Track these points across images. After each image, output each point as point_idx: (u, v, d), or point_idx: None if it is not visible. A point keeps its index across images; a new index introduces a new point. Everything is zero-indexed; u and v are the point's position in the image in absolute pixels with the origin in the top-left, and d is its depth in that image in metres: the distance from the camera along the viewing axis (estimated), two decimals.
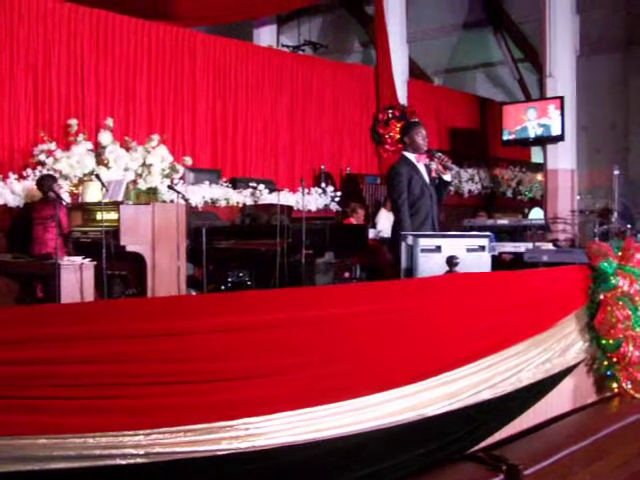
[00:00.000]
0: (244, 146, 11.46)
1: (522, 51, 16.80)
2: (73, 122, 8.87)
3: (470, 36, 17.14)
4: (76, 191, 8.49)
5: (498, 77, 18.05)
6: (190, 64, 10.74)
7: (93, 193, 8.20)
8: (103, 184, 7.32)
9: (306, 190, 10.60)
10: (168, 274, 7.31)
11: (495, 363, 3.77)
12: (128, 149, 9.05)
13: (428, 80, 17.71)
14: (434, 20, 16.33)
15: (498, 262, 7.63)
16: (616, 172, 10.19)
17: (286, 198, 10.61)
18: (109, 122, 9.10)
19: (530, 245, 8.27)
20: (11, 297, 7.57)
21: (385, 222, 10.43)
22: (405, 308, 3.46)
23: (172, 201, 8.59)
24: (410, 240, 5.04)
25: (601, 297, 4.50)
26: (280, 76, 12.09)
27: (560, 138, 12.37)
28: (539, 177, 15.29)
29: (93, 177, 8.06)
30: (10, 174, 8.19)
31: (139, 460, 2.61)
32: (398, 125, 12.88)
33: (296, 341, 3.03)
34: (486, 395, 3.70)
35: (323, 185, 11.80)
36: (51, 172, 8.13)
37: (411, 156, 6.16)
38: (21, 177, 8.28)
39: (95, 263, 6.85)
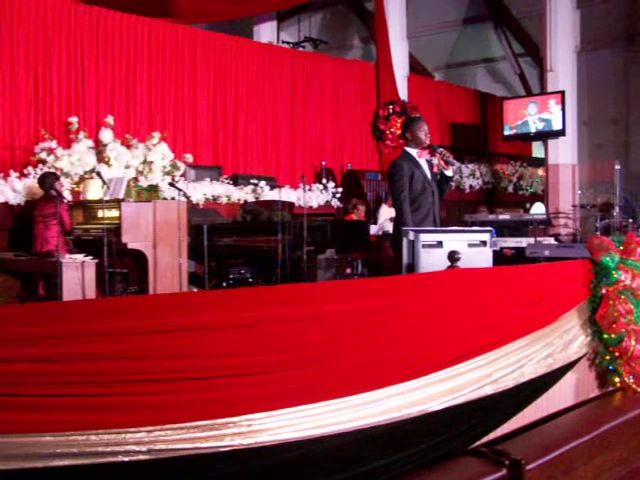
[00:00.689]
0: (245, 143, 11.46)
1: (523, 46, 16.77)
2: (74, 120, 8.88)
3: (470, 31, 17.12)
4: (77, 189, 8.49)
5: (499, 72, 18.04)
6: (190, 61, 10.74)
7: (94, 191, 8.20)
8: (104, 182, 7.32)
9: (307, 186, 10.60)
10: (169, 271, 7.32)
11: (497, 358, 3.77)
12: (129, 146, 9.05)
13: (429, 75, 17.70)
14: (434, 15, 16.30)
15: (500, 257, 7.64)
16: (617, 166, 10.18)
17: (287, 194, 10.61)
18: (110, 120, 9.10)
19: (532, 240, 8.28)
20: (13, 295, 7.58)
21: (386, 218, 10.43)
22: (407, 304, 3.46)
23: (173, 198, 8.59)
24: (411, 235, 5.03)
25: (603, 291, 4.49)
26: (280, 73, 12.09)
27: (561, 133, 12.37)
28: (540, 172, 15.30)
29: (94, 175, 8.06)
30: (11, 172, 8.20)
31: (142, 457, 2.61)
32: (399, 121, 12.89)
33: (298, 337, 3.03)
34: (488, 390, 3.70)
35: (324, 181, 11.79)
36: (52, 170, 8.12)
37: (413, 151, 6.15)
38: (22, 175, 8.28)
39: (96, 261, 6.86)
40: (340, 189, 11.80)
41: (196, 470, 2.73)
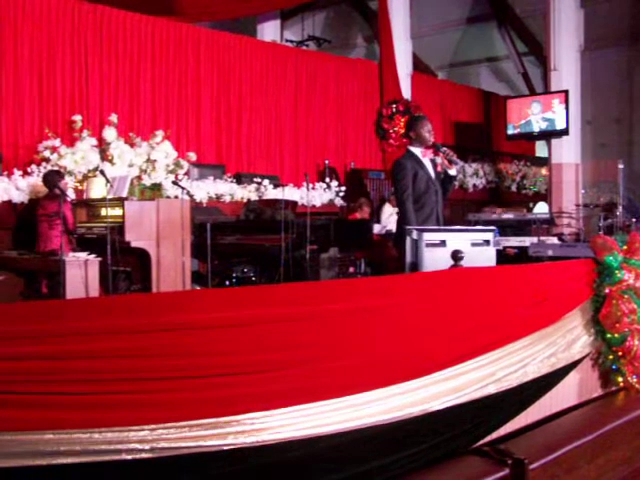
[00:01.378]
0: (248, 141, 11.47)
1: (526, 45, 16.77)
2: (77, 118, 8.90)
3: (474, 30, 17.11)
4: (80, 187, 8.50)
5: (502, 71, 18.03)
6: (194, 60, 10.75)
7: (98, 189, 8.21)
8: (108, 180, 7.33)
9: (310, 185, 10.61)
10: (173, 269, 7.33)
11: (500, 357, 3.77)
12: (132, 145, 9.06)
13: (432, 75, 17.69)
14: (438, 14, 16.30)
15: (503, 256, 7.63)
16: (621, 166, 10.17)
17: (290, 193, 10.62)
18: (113, 118, 9.12)
19: (535, 239, 8.27)
20: (16, 293, 7.59)
21: (389, 217, 10.43)
22: (409, 303, 3.46)
23: (176, 197, 8.59)
24: (415, 234, 5.03)
25: (606, 291, 4.49)
26: (284, 71, 12.09)
27: (564, 132, 12.36)
28: (543, 171, 15.29)
29: (97, 173, 8.06)
30: (15, 170, 8.21)
31: (145, 455, 2.61)
32: (402, 120, 12.89)
33: (301, 336, 3.03)
34: (491, 389, 3.70)
35: (327, 180, 11.80)
36: (56, 168, 8.13)
37: (416, 150, 6.14)
38: (26, 173, 8.29)
39: (100, 259, 6.87)
40: (343, 188, 11.80)
41: (199, 468, 2.74)
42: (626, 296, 4.48)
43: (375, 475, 3.18)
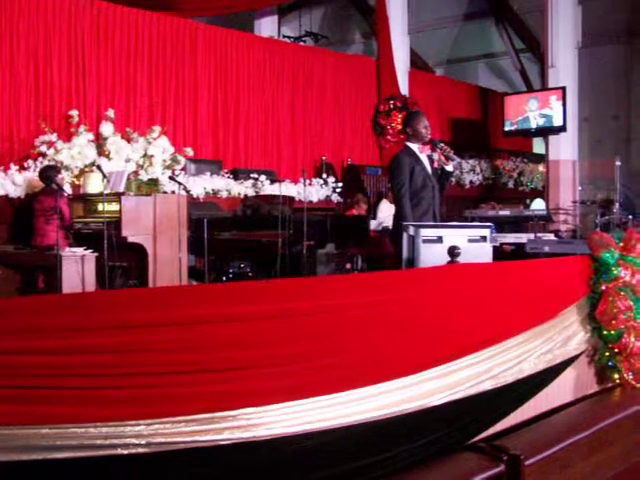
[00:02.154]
0: (245, 137, 11.47)
1: (524, 41, 16.78)
2: (74, 113, 8.88)
3: (472, 27, 17.12)
4: (77, 182, 8.48)
5: (500, 68, 18.03)
6: (191, 55, 10.74)
7: (94, 184, 8.20)
8: (104, 175, 7.31)
9: (307, 181, 10.60)
10: (169, 265, 7.32)
11: (497, 354, 3.77)
12: (129, 140, 9.04)
13: (430, 71, 17.69)
14: (435, 11, 16.31)
15: (500, 253, 7.64)
16: (618, 163, 10.17)
17: (287, 189, 10.62)
18: (110, 113, 9.10)
19: (532, 236, 8.27)
20: (13, 288, 7.59)
21: (386, 213, 10.43)
22: (406, 298, 3.46)
23: (173, 192, 8.58)
24: (411, 230, 5.03)
25: (603, 288, 4.49)
26: (281, 67, 12.09)
27: (562, 129, 12.37)
28: (541, 168, 15.30)
29: (94, 168, 8.06)
30: (11, 165, 8.19)
31: (141, 450, 2.61)
32: (399, 116, 12.89)
33: (297, 331, 3.03)
34: (487, 386, 3.70)
35: (324, 176, 11.80)
36: (52, 163, 8.12)
37: (414, 146, 6.14)
38: (22, 168, 8.28)
39: (96, 254, 6.86)
40: (340, 184, 11.80)
41: (195, 463, 2.73)
42: (622, 293, 4.48)
43: (370, 471, 3.18)
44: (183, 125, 10.62)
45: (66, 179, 8.25)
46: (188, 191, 7.99)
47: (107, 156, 8.71)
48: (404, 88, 13.79)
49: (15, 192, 8.08)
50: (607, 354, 4.56)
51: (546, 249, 7.27)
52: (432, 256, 4.84)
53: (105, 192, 7.30)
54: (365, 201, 11.08)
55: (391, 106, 13.39)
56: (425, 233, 5.01)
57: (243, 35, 11.93)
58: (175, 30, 10.56)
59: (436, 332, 3.53)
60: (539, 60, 14.68)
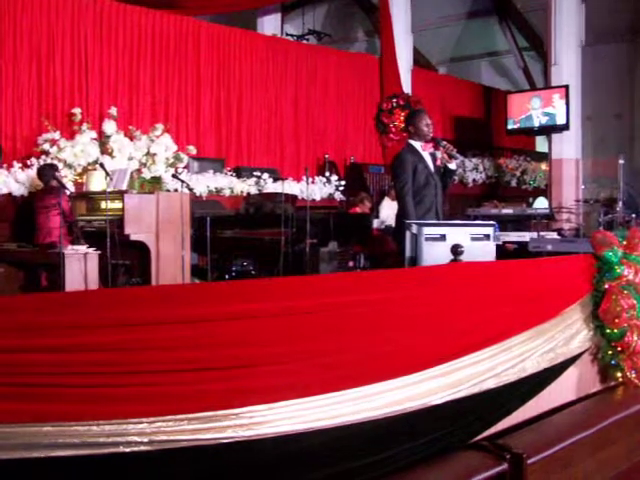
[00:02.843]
0: (248, 135, 11.46)
1: (527, 40, 16.74)
2: (77, 111, 8.88)
3: (475, 25, 17.08)
4: (80, 180, 8.49)
5: (503, 66, 18.01)
6: (194, 53, 10.73)
7: (97, 182, 8.20)
8: (107, 173, 7.32)
9: (310, 179, 10.60)
10: (172, 263, 7.32)
11: (499, 352, 3.77)
12: (132, 138, 9.05)
13: (433, 69, 17.67)
14: (439, 9, 16.27)
15: (503, 251, 7.63)
16: (621, 161, 10.16)
17: (290, 187, 10.62)
18: (113, 111, 9.10)
19: (534, 234, 8.26)
20: (16, 286, 7.59)
21: (389, 211, 10.42)
22: (409, 297, 3.46)
23: (176, 190, 8.58)
24: (414, 229, 5.03)
25: (606, 286, 4.48)
26: (284, 65, 12.08)
27: (565, 127, 12.35)
28: (543, 166, 15.28)
29: (97, 166, 8.06)
30: (14, 163, 8.20)
31: (143, 448, 2.61)
32: (402, 114, 12.86)
33: (299, 329, 3.03)
34: (490, 384, 3.70)
35: (327, 174, 11.80)
36: (55, 161, 8.13)
37: (416, 144, 6.15)
38: (25, 166, 8.29)
39: (99, 252, 6.86)
40: (343, 182, 11.80)
41: (197, 461, 2.74)
42: (625, 291, 4.48)
43: (373, 470, 3.18)
44: (186, 123, 10.61)
45: (69, 177, 8.26)
46: (191, 189, 7.99)
47: (110, 154, 8.72)
48: (407, 86, 13.78)
49: (18, 190, 8.09)
50: (610, 352, 4.56)
51: (549, 248, 7.26)
52: (435, 254, 4.84)
53: (108, 190, 7.30)
54: (369, 199, 11.08)
55: (394, 104, 13.37)
56: (428, 231, 5.00)
57: (246, 33, 11.92)
58: (178, 28, 10.56)
59: (438, 330, 3.53)
60: (542, 58, 14.67)
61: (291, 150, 12.14)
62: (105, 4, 9.70)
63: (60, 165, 8.06)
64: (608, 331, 4.48)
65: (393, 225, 6.78)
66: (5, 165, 8.21)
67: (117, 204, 7.42)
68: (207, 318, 2.81)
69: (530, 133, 14.16)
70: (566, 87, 12.23)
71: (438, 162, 6.23)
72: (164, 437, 2.64)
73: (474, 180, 14.56)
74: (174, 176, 8.18)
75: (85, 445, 2.54)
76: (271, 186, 10.37)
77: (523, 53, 16.81)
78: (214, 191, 9.86)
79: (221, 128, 11.10)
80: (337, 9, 17.83)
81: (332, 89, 12.90)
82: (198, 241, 7.81)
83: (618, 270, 4.51)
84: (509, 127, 13.53)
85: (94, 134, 8.78)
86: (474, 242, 5.07)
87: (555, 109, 12.45)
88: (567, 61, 12.35)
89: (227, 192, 10.03)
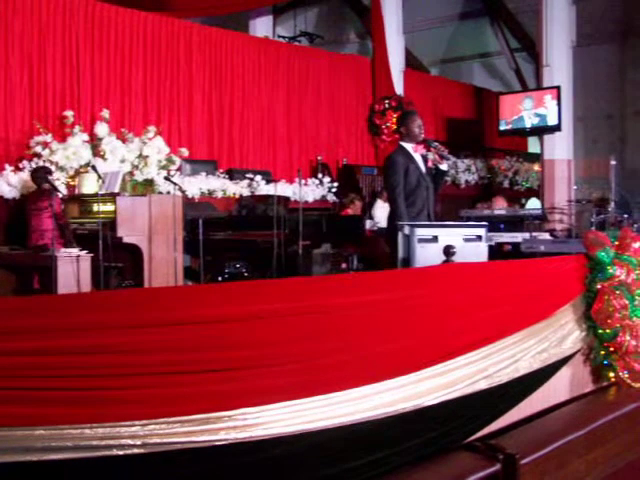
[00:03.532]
0: (240, 137, 11.45)
1: (519, 41, 16.77)
2: (69, 113, 8.85)
3: (467, 26, 17.11)
4: (72, 183, 8.47)
5: (495, 67, 18.03)
6: (186, 55, 10.72)
7: (89, 185, 8.18)
8: (99, 176, 7.30)
9: (303, 181, 10.60)
10: (165, 265, 7.31)
11: (492, 353, 3.77)
12: (124, 140, 9.02)
13: (425, 70, 17.68)
14: (430, 10, 16.28)
15: (495, 252, 7.64)
16: (612, 162, 10.18)
17: (283, 189, 10.62)
18: (105, 113, 9.08)
19: (527, 235, 8.27)
20: (8, 288, 7.57)
21: (381, 213, 10.42)
22: (401, 298, 3.46)
23: (169, 192, 8.56)
24: (407, 230, 5.04)
25: (598, 286, 4.50)
26: (276, 67, 12.07)
27: (557, 128, 12.37)
28: (536, 167, 15.30)
29: (89, 169, 8.03)
30: (6, 166, 8.17)
31: (136, 451, 2.61)
32: (394, 115, 12.87)
33: (293, 331, 3.03)
34: (483, 385, 3.70)
35: (320, 176, 11.80)
36: (47, 164, 8.10)
37: (408, 146, 6.15)
38: (17, 169, 8.26)
39: (92, 255, 6.85)
40: (336, 184, 11.80)
41: (190, 464, 2.73)
42: (618, 292, 4.49)
43: (367, 470, 3.19)
44: (178, 125, 10.59)
45: (61, 180, 8.24)
46: (183, 191, 7.99)
47: (102, 157, 8.69)
48: (399, 88, 13.78)
49: (10, 193, 8.07)
50: (602, 353, 4.57)
51: (541, 248, 7.27)
52: (427, 255, 4.85)
53: (100, 193, 7.29)
54: (360, 199, 11.09)
55: (386, 106, 13.38)
56: (420, 233, 5.02)
57: (238, 35, 11.92)
58: (170, 30, 10.54)
59: (432, 331, 3.53)
60: (534, 59, 14.69)
61: (283, 152, 12.13)
62: (97, 6, 9.67)
63: (52, 168, 8.03)
64: (600, 331, 4.50)
65: (385, 227, 6.78)
66: None
67: (109, 207, 7.41)
68: (198, 320, 2.80)
69: (522, 134, 14.17)
70: (558, 88, 12.25)
71: (429, 163, 6.24)
72: (157, 440, 2.64)
73: (467, 181, 14.58)
74: (166, 178, 8.16)
75: (78, 448, 2.54)
76: (264, 188, 10.37)
77: (515, 54, 16.84)
78: (207, 193, 9.85)
79: (213, 130, 11.09)
80: (329, 11, 17.84)
81: (324, 91, 12.90)
82: (191, 243, 7.80)
83: (610, 270, 4.53)
84: (501, 128, 13.54)
85: (86, 137, 8.75)
86: (466, 243, 5.08)
87: (547, 110, 12.47)
88: (558, 62, 12.37)
89: (220, 194, 10.01)
